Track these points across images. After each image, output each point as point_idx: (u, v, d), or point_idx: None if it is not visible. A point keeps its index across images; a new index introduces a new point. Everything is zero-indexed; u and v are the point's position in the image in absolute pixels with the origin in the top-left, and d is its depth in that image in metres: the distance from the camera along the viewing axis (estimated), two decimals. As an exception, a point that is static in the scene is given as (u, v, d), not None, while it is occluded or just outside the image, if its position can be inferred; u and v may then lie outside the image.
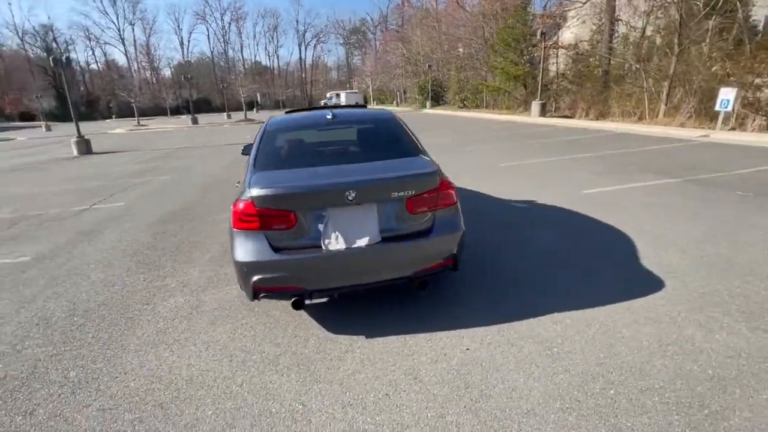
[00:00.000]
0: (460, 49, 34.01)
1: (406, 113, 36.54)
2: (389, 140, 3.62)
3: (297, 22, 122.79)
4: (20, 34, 75.48)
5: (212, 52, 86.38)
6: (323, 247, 2.79)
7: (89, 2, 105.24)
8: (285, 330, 3.09)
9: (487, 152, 11.08)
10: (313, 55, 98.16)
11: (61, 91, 73.06)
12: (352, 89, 66.25)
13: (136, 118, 36.57)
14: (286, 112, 4.53)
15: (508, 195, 6.41)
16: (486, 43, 27.01)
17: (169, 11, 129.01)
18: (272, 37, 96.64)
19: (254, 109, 62.08)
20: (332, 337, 2.98)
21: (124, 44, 79.33)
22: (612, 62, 18.45)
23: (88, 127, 39.87)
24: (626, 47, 17.99)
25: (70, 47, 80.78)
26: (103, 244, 5.35)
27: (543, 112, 19.71)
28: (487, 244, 4.46)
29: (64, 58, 72.29)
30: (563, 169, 8.10)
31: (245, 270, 2.78)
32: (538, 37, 19.16)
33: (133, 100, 35.73)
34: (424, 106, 40.19)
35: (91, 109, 72.12)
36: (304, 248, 2.81)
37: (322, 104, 73.31)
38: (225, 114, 42.97)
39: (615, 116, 16.24)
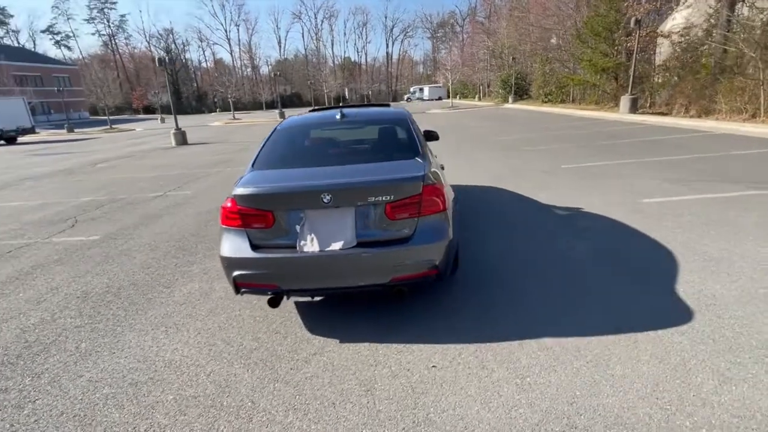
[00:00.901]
0: (553, 40, 31.95)
1: (483, 108, 35.34)
2: (391, 141, 3.54)
3: (385, 17, 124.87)
4: (147, 37, 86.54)
5: (306, 49, 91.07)
6: (298, 248, 2.82)
7: (202, 6, 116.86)
8: (270, 325, 3.18)
9: (553, 152, 10.31)
10: (399, 50, 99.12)
11: (176, 87, 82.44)
12: (436, 83, 65.70)
13: (232, 112, 40.03)
14: (310, 111, 4.64)
15: (554, 200, 5.92)
16: (576, 34, 24.95)
17: (269, 12, 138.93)
18: (361, 33, 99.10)
19: (340, 103, 64.49)
20: (310, 337, 3.01)
21: (229, 44, 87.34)
22: (726, 51, 15.97)
23: (193, 120, 44.51)
24: (746, 33, 15.45)
25: (186, 48, 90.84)
26: (159, 228, 5.95)
27: (634, 108, 17.75)
28: (502, 255, 4.17)
29: (167, 58, 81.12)
30: (631, 174, 7.25)
31: (227, 265, 2.91)
32: (632, 25, 17.20)
33: (230, 96, 39.08)
34: (506, 101, 38.48)
35: (200, 103, 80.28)
36: (282, 248, 2.86)
37: (406, 99, 74.13)
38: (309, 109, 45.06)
39: (721, 114, 14.10)
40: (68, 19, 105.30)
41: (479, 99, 52.98)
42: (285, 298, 3.00)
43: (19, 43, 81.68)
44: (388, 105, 4.83)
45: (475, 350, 2.73)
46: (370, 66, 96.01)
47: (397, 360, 2.69)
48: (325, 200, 2.79)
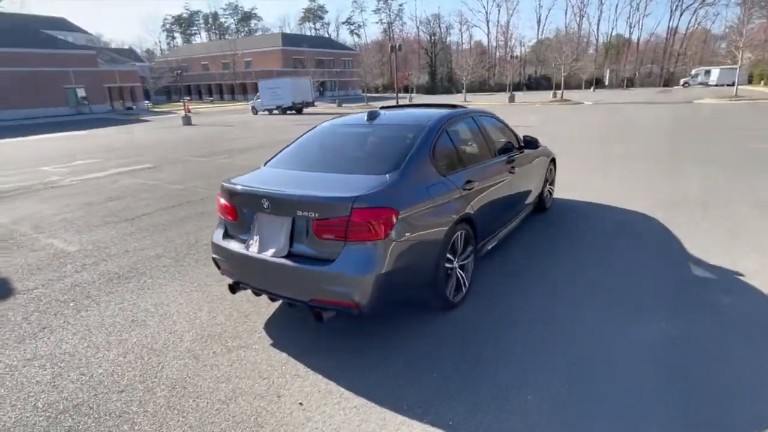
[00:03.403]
0: None
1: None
2: (389, 150, 3.20)
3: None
4: (417, 23, 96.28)
5: (566, 28, 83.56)
6: (246, 246, 2.98)
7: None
8: (248, 316, 3.40)
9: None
10: (690, 22, 79.02)
11: (433, 69, 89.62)
12: (732, 65, 49.52)
13: (464, 94, 40.96)
14: (381, 108, 4.53)
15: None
16: None
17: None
18: (638, 5, 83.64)
19: (591, 88, 57.16)
20: (259, 329, 3.18)
21: (488, 26, 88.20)
22: None
23: (431, 99, 47.86)
24: None
25: (449, 31, 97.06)
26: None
27: None
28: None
29: (433, 40, 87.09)
30: None
31: (211, 245, 3.33)
32: None
33: (464, 78, 39.97)
34: None
35: (450, 83, 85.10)
36: (242, 242, 3.08)
37: (682, 84, 59.30)
38: (552, 92, 41.78)
39: None
40: (361, 11, 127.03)
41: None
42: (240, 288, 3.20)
43: (328, 33, 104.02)
44: (454, 106, 4.23)
45: (382, 418, 2.36)
46: (642, 43, 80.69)
47: (296, 387, 2.58)
48: (264, 206, 2.84)
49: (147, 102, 51.03)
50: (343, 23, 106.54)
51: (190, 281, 4.08)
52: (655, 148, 10.58)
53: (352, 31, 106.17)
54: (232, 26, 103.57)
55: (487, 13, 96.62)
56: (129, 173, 10.25)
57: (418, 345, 2.90)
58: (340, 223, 2.59)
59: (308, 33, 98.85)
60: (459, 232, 3.22)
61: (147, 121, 32.51)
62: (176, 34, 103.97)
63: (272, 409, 2.38)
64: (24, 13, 66.05)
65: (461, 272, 3.35)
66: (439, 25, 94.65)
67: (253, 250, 2.92)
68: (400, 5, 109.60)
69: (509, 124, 4.95)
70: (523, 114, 23.49)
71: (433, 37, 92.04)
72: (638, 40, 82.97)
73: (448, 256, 3.11)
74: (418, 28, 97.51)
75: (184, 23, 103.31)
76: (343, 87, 70.04)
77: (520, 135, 4.88)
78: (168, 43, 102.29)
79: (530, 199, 4.96)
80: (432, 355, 2.79)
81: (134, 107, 47.72)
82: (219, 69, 66.23)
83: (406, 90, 78.21)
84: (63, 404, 2.49)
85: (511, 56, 41.54)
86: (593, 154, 10.18)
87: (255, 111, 36.39)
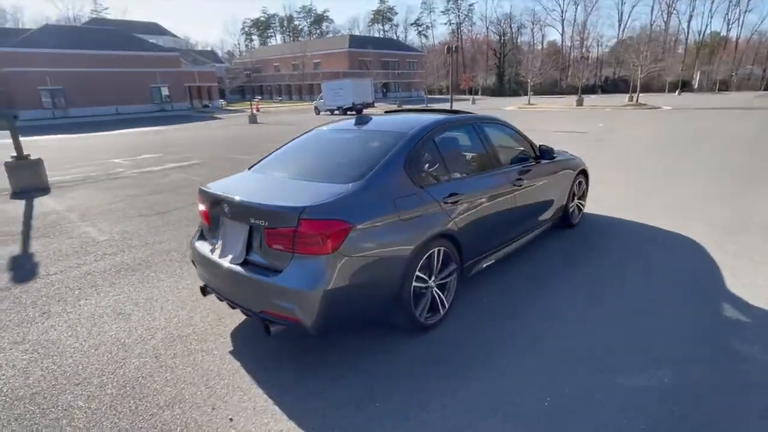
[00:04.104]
0: None
1: None
2: (362, 158, 3.01)
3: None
4: (487, 23, 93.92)
5: (651, 26, 77.05)
6: (212, 250, 2.96)
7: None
8: (221, 320, 3.38)
9: None
10: (809, 17, 69.16)
11: (501, 71, 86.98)
12: None
13: (528, 97, 39.08)
14: (385, 112, 4.35)
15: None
16: None
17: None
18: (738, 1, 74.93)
19: (677, 91, 52.22)
20: (225, 345, 3.15)
21: (562, 25, 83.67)
22: None
23: (496, 102, 46.42)
24: None
25: (520, 31, 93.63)
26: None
27: None
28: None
29: (502, 40, 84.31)
30: None
31: (190, 247, 3.36)
32: None
33: (530, 80, 38.07)
34: None
35: (518, 85, 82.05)
36: (211, 245, 3.06)
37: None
38: (628, 96, 38.74)
39: None
40: (430, 12, 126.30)
41: None
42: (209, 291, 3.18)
43: (396, 35, 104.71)
44: (457, 112, 3.94)
45: None
46: (742, 42, 72.23)
47: (238, 398, 2.52)
48: (226, 211, 2.80)
49: (222, 101, 54.48)
50: (412, 25, 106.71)
51: (185, 278, 4.18)
52: (727, 164, 9.34)
53: (420, 33, 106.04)
54: (305, 29, 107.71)
55: (562, 11, 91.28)
56: (179, 169, 10.91)
57: (379, 367, 2.71)
58: (288, 233, 2.47)
59: (377, 35, 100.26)
60: (435, 250, 2.97)
61: (219, 118, 34.64)
62: (254, 37, 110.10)
63: (202, 421, 2.31)
64: (124, 19, 73.65)
65: (439, 292, 3.10)
66: (510, 25, 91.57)
67: (216, 254, 2.90)
68: (470, 5, 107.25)
69: (524, 132, 4.52)
70: (588, 119, 21.96)
71: (502, 38, 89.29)
72: (737, 38, 74.60)
73: (419, 274, 2.87)
74: (487, 28, 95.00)
75: (261, 26, 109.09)
76: (407, 88, 70.11)
77: (537, 144, 4.45)
78: (246, 45, 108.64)
79: (547, 214, 4.52)
80: (387, 380, 2.59)
81: (210, 105, 51.23)
82: (289, 70, 69.14)
83: (471, 92, 76.72)
84: (23, 391, 2.61)
85: (583, 57, 38.79)
86: (648, 166, 9.19)
87: (318, 111, 37.48)
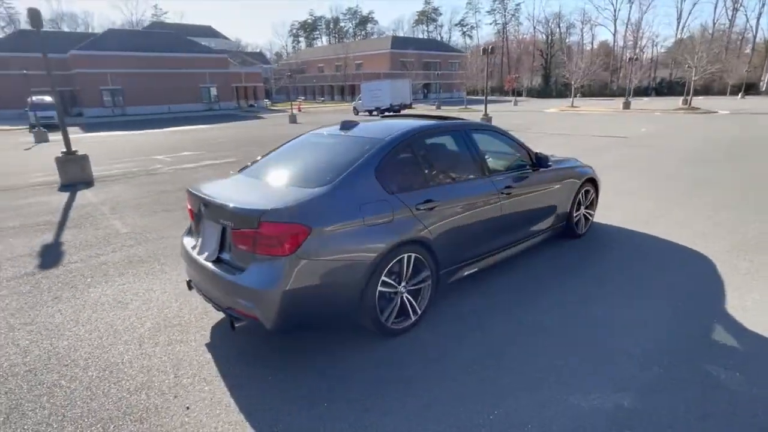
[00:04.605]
0: None
1: None
2: (336, 164, 3.07)
3: None
4: (534, 23, 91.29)
5: (714, 24, 72.00)
6: (194, 246, 3.14)
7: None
8: (207, 313, 3.55)
9: None
10: None
11: (547, 72, 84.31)
12: None
13: (572, 99, 37.51)
14: (382, 116, 4.40)
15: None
16: None
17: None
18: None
19: (740, 94, 48.48)
20: (204, 338, 3.33)
21: (615, 24, 79.94)
22: None
23: (540, 104, 45.00)
24: None
25: (569, 31, 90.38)
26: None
27: None
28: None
29: (549, 40, 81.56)
30: None
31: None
32: None
33: (573, 82, 36.55)
34: None
35: (565, 87, 79.19)
36: (194, 242, 3.24)
37: None
38: (682, 99, 36.46)
39: None
40: (476, 12, 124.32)
41: None
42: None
43: (440, 36, 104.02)
44: (444, 118, 3.90)
45: None
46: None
47: (200, 389, 2.67)
48: (204, 210, 2.96)
49: (266, 100, 56.32)
50: (456, 25, 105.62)
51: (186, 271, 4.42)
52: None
53: (464, 33, 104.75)
54: (350, 30, 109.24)
55: (615, 10, 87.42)
56: (214, 166, 11.44)
57: (340, 369, 2.77)
58: (250, 235, 2.59)
59: (421, 35, 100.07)
60: (405, 255, 2.99)
61: (262, 118, 35.84)
62: (300, 39, 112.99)
63: (162, 407, 2.47)
64: (181, 23, 77.79)
65: (410, 298, 3.12)
66: (559, 25, 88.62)
67: (195, 251, 3.07)
68: (517, 5, 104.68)
69: (521, 139, 4.41)
70: (632, 123, 20.89)
71: (550, 38, 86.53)
72: (816, 37, 68.16)
73: (385, 279, 2.91)
74: (534, 28, 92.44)
75: (308, 28, 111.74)
76: (448, 89, 69.49)
77: (534, 152, 4.33)
78: (293, 47, 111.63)
79: (544, 224, 4.39)
80: (346, 382, 2.65)
81: (255, 105, 53.11)
82: (332, 71, 70.40)
83: (514, 93, 74.99)
84: (19, 368, 2.88)
85: (632, 58, 36.80)
86: (681, 175, 8.65)
87: (356, 112, 37.95)
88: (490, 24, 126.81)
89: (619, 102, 34.58)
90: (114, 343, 3.17)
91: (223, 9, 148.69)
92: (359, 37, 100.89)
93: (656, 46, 77.40)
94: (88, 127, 28.70)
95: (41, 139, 20.87)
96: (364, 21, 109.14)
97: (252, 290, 2.56)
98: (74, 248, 5.28)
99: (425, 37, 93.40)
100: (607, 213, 5.95)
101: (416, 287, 3.16)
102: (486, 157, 3.87)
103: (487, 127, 4.11)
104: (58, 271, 4.55)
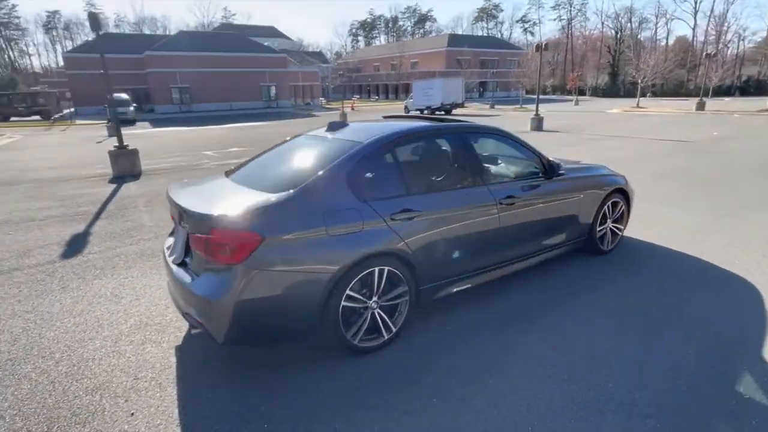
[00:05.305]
0: None
1: None
2: (305, 170, 2.89)
3: None
4: (603, 18, 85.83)
5: (819, 14, 63.46)
6: (168, 247, 3.11)
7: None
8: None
9: None
10: None
11: (614, 69, 79.03)
12: None
13: (637, 99, 34.65)
14: (383, 117, 4.18)
15: None
16: None
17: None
18: None
19: None
20: (176, 340, 3.30)
21: (694, 17, 73.20)
22: None
23: (601, 103, 42.21)
24: None
25: (641, 26, 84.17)
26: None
27: None
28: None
29: (618, 36, 76.12)
30: None
31: (167, 243, 3.58)
32: None
33: (640, 80, 33.71)
34: None
35: (633, 86, 73.71)
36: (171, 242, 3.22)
37: None
38: (770, 99, 32.60)
39: None
40: (539, 8, 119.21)
41: None
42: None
43: (500, 33, 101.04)
44: (441, 120, 3.59)
45: (166, 435, 2.25)
46: None
47: (152, 395, 2.63)
48: (175, 212, 2.91)
49: (322, 99, 57.63)
50: (517, 22, 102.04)
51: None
52: None
53: (525, 30, 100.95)
54: (408, 29, 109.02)
55: (696, 1, 79.74)
56: (251, 162, 11.74)
57: (291, 386, 2.61)
58: (202, 240, 2.49)
59: (480, 33, 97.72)
60: (376, 269, 2.77)
61: (315, 115, 36.60)
62: (359, 38, 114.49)
63: (109, 411, 2.44)
64: (247, 24, 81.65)
65: (382, 314, 2.89)
66: (630, 20, 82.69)
67: (168, 252, 3.04)
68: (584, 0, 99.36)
69: (529, 144, 3.98)
70: (703, 126, 18.91)
71: (620, 33, 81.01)
72: None
73: (351, 293, 2.70)
74: (603, 23, 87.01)
75: (367, 27, 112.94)
76: (506, 88, 67.22)
77: (548, 159, 3.91)
78: (352, 46, 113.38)
79: (557, 238, 3.95)
80: (294, 401, 2.48)
81: (311, 103, 54.49)
82: (388, 70, 70.61)
83: (578, 92, 70.97)
84: (2, 356, 3.00)
85: (710, 54, 33.32)
86: (744, 188, 7.59)
87: (407, 110, 37.72)
88: (554, 20, 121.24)
89: (693, 102, 31.57)
90: (94, 338, 3.22)
91: (288, 10, 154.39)
92: (417, 36, 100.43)
93: (743, 40, 69.92)
94: (157, 123, 30.85)
95: (113, 133, 22.66)
96: (422, 19, 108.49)
97: (200, 298, 2.46)
98: (98, 239, 5.55)
99: (483, 35, 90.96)
100: (644, 227, 5.33)
101: (391, 303, 2.93)
102: (485, 164, 3.53)
103: (490, 131, 3.74)
104: (75, 261, 4.79)
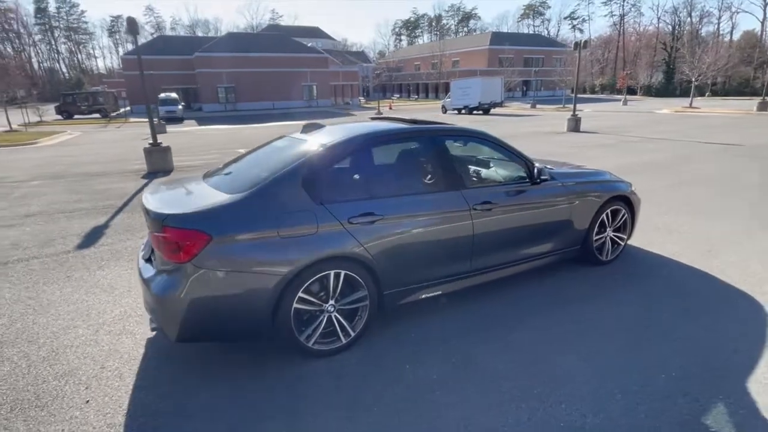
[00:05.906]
0: None
1: None
2: (264, 171, 2.90)
3: None
4: (659, 13, 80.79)
5: None
6: (142, 246, 3.24)
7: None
8: None
9: None
10: None
11: (671, 67, 74.33)
12: None
13: (690, 99, 32.26)
14: (371, 119, 4.15)
15: None
16: None
17: None
18: None
19: None
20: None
21: (765, 9, 67.37)
22: None
23: (649, 104, 39.80)
24: None
25: (703, 20, 78.63)
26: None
27: None
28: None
29: (674, 33, 71.25)
30: None
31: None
32: None
33: (694, 78, 31.36)
34: None
35: (688, 85, 69.04)
36: (147, 241, 3.34)
37: None
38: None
39: None
40: (589, 3, 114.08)
41: None
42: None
43: (547, 31, 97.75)
44: (417, 122, 3.49)
45: None
46: None
47: (111, 384, 2.75)
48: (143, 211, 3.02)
49: (361, 98, 58.20)
50: (566, 18, 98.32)
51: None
52: None
53: (574, 27, 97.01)
54: (452, 27, 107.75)
55: (768, -9, 73.25)
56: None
57: (238, 384, 2.65)
58: (157, 238, 2.57)
59: (526, 30, 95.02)
60: (332, 272, 2.75)
61: (352, 114, 37.03)
62: (402, 37, 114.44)
63: (68, 397, 2.57)
64: (293, 25, 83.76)
65: (339, 318, 2.87)
66: (690, 14, 77.45)
67: (140, 250, 3.17)
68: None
69: (518, 149, 3.79)
70: (760, 128, 17.40)
71: (677, 28, 76.11)
72: None
73: (304, 296, 2.70)
74: (659, 18, 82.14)
75: (411, 26, 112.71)
76: (550, 87, 64.92)
77: (535, 163, 3.72)
78: (395, 45, 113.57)
79: (545, 247, 3.76)
80: (239, 403, 2.52)
81: (350, 102, 55.12)
82: (429, 69, 70.16)
83: (630, 91, 67.35)
84: (-5, 339, 3.25)
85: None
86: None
87: (444, 110, 37.36)
88: (605, 16, 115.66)
89: (754, 102, 29.12)
90: (78, 326, 3.41)
91: (333, 10, 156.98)
92: (461, 34, 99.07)
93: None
94: (202, 121, 32.29)
95: (160, 130, 23.94)
96: (466, 17, 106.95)
97: (153, 295, 2.54)
98: (114, 232, 5.88)
99: (529, 33, 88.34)
100: (657, 237, 4.98)
101: (351, 307, 2.90)
102: (463, 168, 3.42)
103: (470, 134, 3.60)
104: (87, 252, 5.10)
